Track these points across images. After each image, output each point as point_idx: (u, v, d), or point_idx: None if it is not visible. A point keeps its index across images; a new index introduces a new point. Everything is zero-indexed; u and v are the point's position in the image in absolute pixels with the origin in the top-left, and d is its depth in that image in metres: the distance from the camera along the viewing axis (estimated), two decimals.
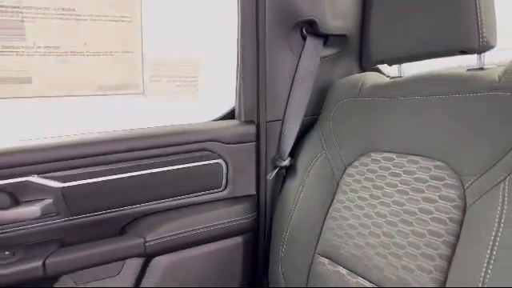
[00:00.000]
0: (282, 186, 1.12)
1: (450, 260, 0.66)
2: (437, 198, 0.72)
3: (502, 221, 0.60)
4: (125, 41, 0.98)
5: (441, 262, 0.68)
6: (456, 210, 0.69)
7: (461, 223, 0.67)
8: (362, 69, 1.13)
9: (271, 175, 1.11)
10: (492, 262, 0.58)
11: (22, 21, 0.88)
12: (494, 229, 0.60)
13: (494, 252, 0.59)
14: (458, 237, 0.67)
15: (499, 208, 0.61)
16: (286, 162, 1.09)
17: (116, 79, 1.00)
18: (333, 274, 0.88)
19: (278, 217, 1.08)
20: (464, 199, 0.68)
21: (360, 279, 0.81)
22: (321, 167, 1.00)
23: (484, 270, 0.59)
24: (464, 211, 0.67)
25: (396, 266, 0.75)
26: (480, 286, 0.58)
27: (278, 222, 1.07)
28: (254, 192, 1.15)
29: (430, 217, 0.72)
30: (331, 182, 0.96)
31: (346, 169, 0.94)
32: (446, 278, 0.66)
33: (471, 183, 0.68)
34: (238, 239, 1.13)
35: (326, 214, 0.95)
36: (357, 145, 0.94)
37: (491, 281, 0.58)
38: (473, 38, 0.72)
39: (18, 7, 0.87)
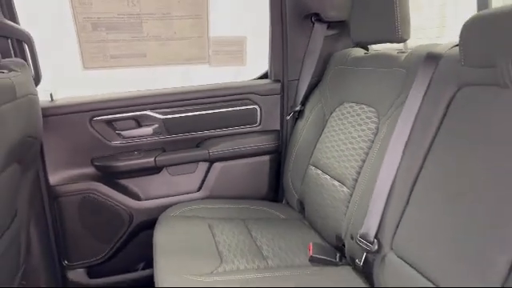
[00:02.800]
0: (295, 123, 1.70)
1: (365, 159, 1.22)
2: (365, 127, 1.26)
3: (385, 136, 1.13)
4: (197, 30, 1.60)
5: (360, 163, 1.23)
6: (373, 131, 1.22)
7: (373, 139, 1.21)
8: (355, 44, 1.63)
9: (289, 116, 1.70)
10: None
11: (141, 21, 1.54)
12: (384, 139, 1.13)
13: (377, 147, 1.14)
14: (371, 143, 1.21)
15: (388, 128, 1.14)
16: (298, 108, 1.67)
17: (192, 54, 1.64)
18: (314, 175, 1.46)
19: (290, 143, 1.68)
20: (378, 125, 1.21)
21: (327, 177, 1.39)
22: (318, 112, 1.57)
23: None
24: (377, 131, 1.21)
25: (343, 165, 1.31)
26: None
27: (290, 147, 1.67)
28: (278, 128, 1.76)
29: (361, 133, 1.26)
30: (322, 121, 1.52)
31: (331, 112, 1.49)
32: (364, 162, 1.20)
33: (382, 117, 1.21)
34: (266, 157, 1.76)
35: (317, 141, 1.52)
36: (338, 98, 1.47)
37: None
38: (393, 32, 1.21)
39: (139, 14, 1.52)
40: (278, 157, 1.77)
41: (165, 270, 1.15)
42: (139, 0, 1.49)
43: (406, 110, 1.07)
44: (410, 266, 0.92)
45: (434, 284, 0.84)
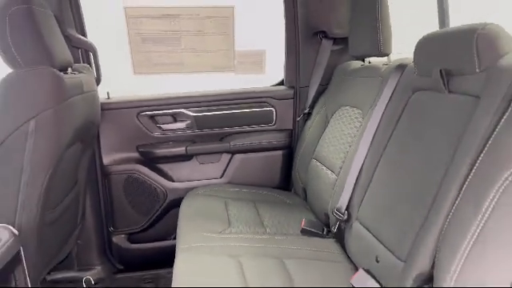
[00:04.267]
0: (304, 123, 1.99)
1: (348, 151, 1.48)
2: (353, 125, 1.53)
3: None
4: (225, 44, 1.95)
5: (345, 153, 1.49)
6: (358, 128, 1.49)
7: (356, 134, 1.47)
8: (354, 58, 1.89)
9: (299, 117, 1.99)
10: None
11: (180, 37, 1.91)
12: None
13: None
14: (354, 138, 1.47)
15: (366, 124, 1.40)
16: (307, 111, 1.96)
17: (221, 63, 1.99)
18: (315, 167, 1.74)
19: (299, 141, 1.97)
20: (362, 123, 1.47)
21: (324, 167, 1.66)
22: (322, 114, 1.85)
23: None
24: (360, 128, 1.47)
25: (334, 156, 1.57)
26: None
27: (299, 144, 1.96)
28: (291, 127, 2.05)
29: (349, 130, 1.53)
30: (325, 122, 1.80)
31: (332, 115, 1.77)
32: (347, 153, 1.47)
33: (364, 117, 1.47)
34: (279, 152, 2.06)
35: (320, 138, 1.79)
36: (338, 102, 1.75)
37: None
38: (377, 48, 1.47)
39: (178, 31, 1.90)
40: (290, 152, 2.07)
41: (185, 228, 1.49)
42: (179, 20, 1.87)
43: (376, 110, 1.33)
44: (368, 231, 1.19)
45: (387, 248, 1.09)
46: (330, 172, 1.59)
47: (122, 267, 2.00)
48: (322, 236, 1.49)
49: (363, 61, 1.80)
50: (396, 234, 1.05)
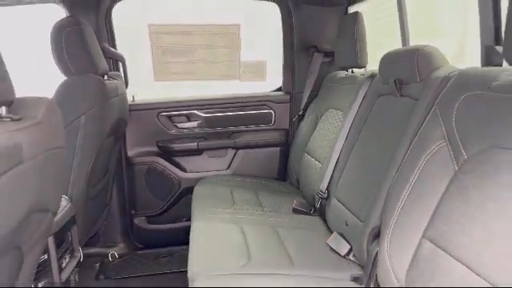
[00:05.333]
0: (298, 123, 2.33)
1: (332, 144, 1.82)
2: (336, 124, 1.87)
3: None
4: (231, 56, 2.30)
5: (331, 147, 1.83)
6: (339, 126, 1.82)
7: (340, 131, 1.82)
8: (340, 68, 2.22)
9: (294, 118, 2.34)
10: None
11: (194, 50, 2.27)
12: None
13: None
14: (338, 134, 1.81)
15: (344, 123, 1.74)
16: (301, 113, 2.30)
17: (228, 72, 2.34)
18: (306, 159, 2.06)
19: (294, 138, 2.31)
20: (343, 122, 1.82)
21: (313, 159, 1.99)
22: (313, 115, 2.18)
23: None
24: (341, 126, 1.81)
25: (322, 150, 1.91)
26: None
27: (294, 141, 2.30)
28: (287, 127, 2.40)
29: (333, 128, 1.87)
30: (315, 122, 2.13)
31: (321, 116, 2.10)
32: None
33: (345, 117, 1.81)
34: (277, 148, 2.40)
35: (311, 136, 2.13)
36: (326, 105, 2.08)
37: None
38: (355, 60, 1.81)
39: (192, 45, 2.26)
40: (286, 148, 2.40)
41: (198, 206, 1.83)
42: (193, 35, 2.23)
43: (351, 112, 1.67)
44: (341, 203, 1.52)
45: (353, 214, 1.42)
46: (317, 162, 1.93)
47: (141, 245, 2.34)
48: (309, 214, 1.82)
49: (347, 71, 2.14)
50: (359, 203, 1.39)
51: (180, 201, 2.36)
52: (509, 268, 0.79)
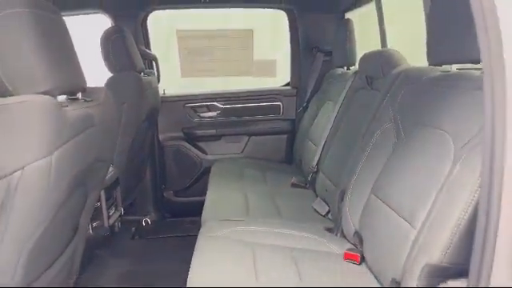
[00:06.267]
0: (303, 114, 2.70)
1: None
2: (330, 113, 2.23)
3: None
4: (246, 55, 2.70)
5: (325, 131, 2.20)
6: (333, 113, 2.19)
7: (329, 118, 2.18)
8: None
9: (300, 109, 2.71)
10: None
11: (213, 50, 2.69)
12: None
13: None
14: (328, 121, 2.18)
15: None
16: (305, 105, 2.67)
17: (243, 69, 2.75)
18: (307, 144, 2.43)
19: (299, 127, 2.68)
20: (335, 110, 2.18)
21: (313, 144, 2.36)
22: (314, 107, 2.55)
23: None
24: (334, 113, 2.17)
25: (319, 136, 2.28)
26: None
27: (298, 129, 2.68)
28: (294, 117, 2.77)
29: (327, 115, 2.24)
30: (316, 113, 2.50)
31: (321, 107, 2.46)
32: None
33: (336, 106, 2.17)
34: (284, 135, 2.78)
35: (311, 125, 2.49)
36: (325, 99, 2.44)
37: None
38: (346, 60, 2.16)
39: (213, 46, 2.68)
40: (293, 135, 2.78)
41: (214, 179, 2.25)
42: (214, 39, 2.65)
43: (338, 102, 2.04)
44: (324, 174, 1.90)
45: (331, 182, 1.79)
46: (313, 145, 2.30)
47: (169, 214, 2.80)
48: (305, 188, 2.20)
49: (344, 68, 2.49)
50: (336, 173, 1.76)
51: (201, 178, 2.79)
52: (414, 206, 1.14)
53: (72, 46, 1.16)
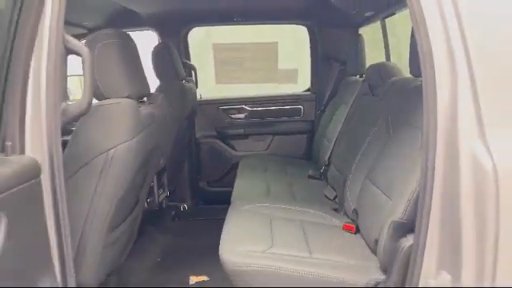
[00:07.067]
0: (321, 117, 3.06)
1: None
2: (343, 115, 2.60)
3: None
4: (271, 65, 3.11)
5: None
6: (343, 115, 2.55)
7: (340, 119, 2.54)
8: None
9: (318, 112, 3.08)
10: None
11: (243, 61, 3.11)
12: None
13: None
14: (339, 121, 2.54)
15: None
16: (323, 108, 3.04)
17: (268, 77, 3.15)
18: (324, 142, 2.80)
19: (317, 127, 3.05)
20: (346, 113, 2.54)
21: (327, 141, 2.72)
22: (331, 111, 2.91)
23: None
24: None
25: (333, 134, 2.64)
26: None
27: (317, 130, 3.04)
28: (313, 119, 3.15)
29: (340, 116, 2.60)
30: (332, 115, 2.86)
31: (336, 111, 2.82)
32: None
33: (347, 108, 2.53)
34: (304, 135, 3.16)
35: (328, 125, 2.86)
36: (340, 103, 2.80)
37: None
38: (357, 69, 2.52)
39: (242, 57, 3.10)
40: (312, 135, 3.15)
41: (241, 174, 2.65)
42: (243, 51, 3.07)
43: (348, 105, 2.40)
44: (335, 167, 2.26)
45: (339, 172, 2.16)
46: (327, 142, 2.67)
47: (203, 202, 3.23)
48: (319, 179, 2.57)
49: (357, 76, 2.84)
50: (342, 164, 2.13)
51: (231, 172, 3.21)
52: (392, 184, 1.49)
53: (140, 62, 1.60)
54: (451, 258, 1.06)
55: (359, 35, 2.58)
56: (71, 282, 0.96)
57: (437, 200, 1.06)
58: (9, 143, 0.84)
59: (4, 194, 0.75)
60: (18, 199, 0.80)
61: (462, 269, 1.03)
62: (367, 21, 2.73)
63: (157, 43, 2.76)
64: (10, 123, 0.85)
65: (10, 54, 0.86)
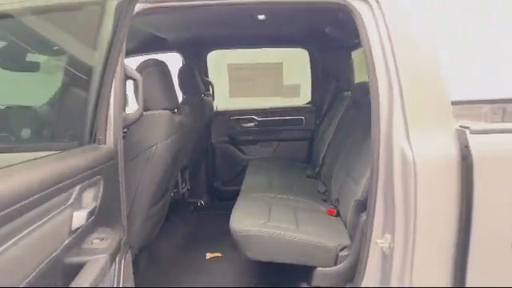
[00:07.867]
0: (320, 126, 3.55)
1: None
2: (337, 124, 3.08)
3: None
4: (277, 81, 3.62)
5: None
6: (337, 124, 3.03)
7: (334, 127, 3.03)
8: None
9: (317, 122, 3.57)
10: None
11: (255, 77, 3.63)
12: None
13: None
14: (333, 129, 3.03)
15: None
16: (321, 119, 3.53)
17: (274, 91, 3.66)
18: (320, 148, 3.28)
19: (316, 135, 3.53)
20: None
21: (324, 147, 3.21)
22: (328, 121, 3.40)
23: None
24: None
25: (327, 138, 3.13)
26: None
27: (316, 137, 3.53)
28: (313, 128, 3.64)
29: (335, 125, 3.09)
30: (329, 125, 3.35)
31: (332, 120, 3.31)
32: None
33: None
34: (306, 142, 3.65)
35: (325, 133, 3.35)
36: (334, 114, 3.29)
37: None
38: (347, 86, 3.00)
39: (254, 75, 3.62)
40: (311, 142, 3.64)
41: (249, 173, 3.15)
42: (254, 69, 3.60)
43: (339, 116, 2.89)
44: (326, 167, 2.74)
45: (328, 170, 2.64)
46: (323, 147, 3.15)
47: (217, 199, 3.74)
48: (315, 178, 3.04)
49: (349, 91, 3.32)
50: (331, 163, 2.61)
51: (242, 173, 3.70)
52: (361, 174, 1.97)
53: (173, 83, 2.13)
54: (391, 224, 1.53)
55: (350, 58, 3.08)
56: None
57: (381, 182, 1.54)
58: (100, 137, 1.36)
59: (101, 166, 1.27)
60: (107, 170, 1.31)
61: (395, 230, 1.51)
62: (357, 45, 3.22)
63: (181, 64, 3.31)
64: (100, 124, 1.37)
65: (101, 79, 1.38)
